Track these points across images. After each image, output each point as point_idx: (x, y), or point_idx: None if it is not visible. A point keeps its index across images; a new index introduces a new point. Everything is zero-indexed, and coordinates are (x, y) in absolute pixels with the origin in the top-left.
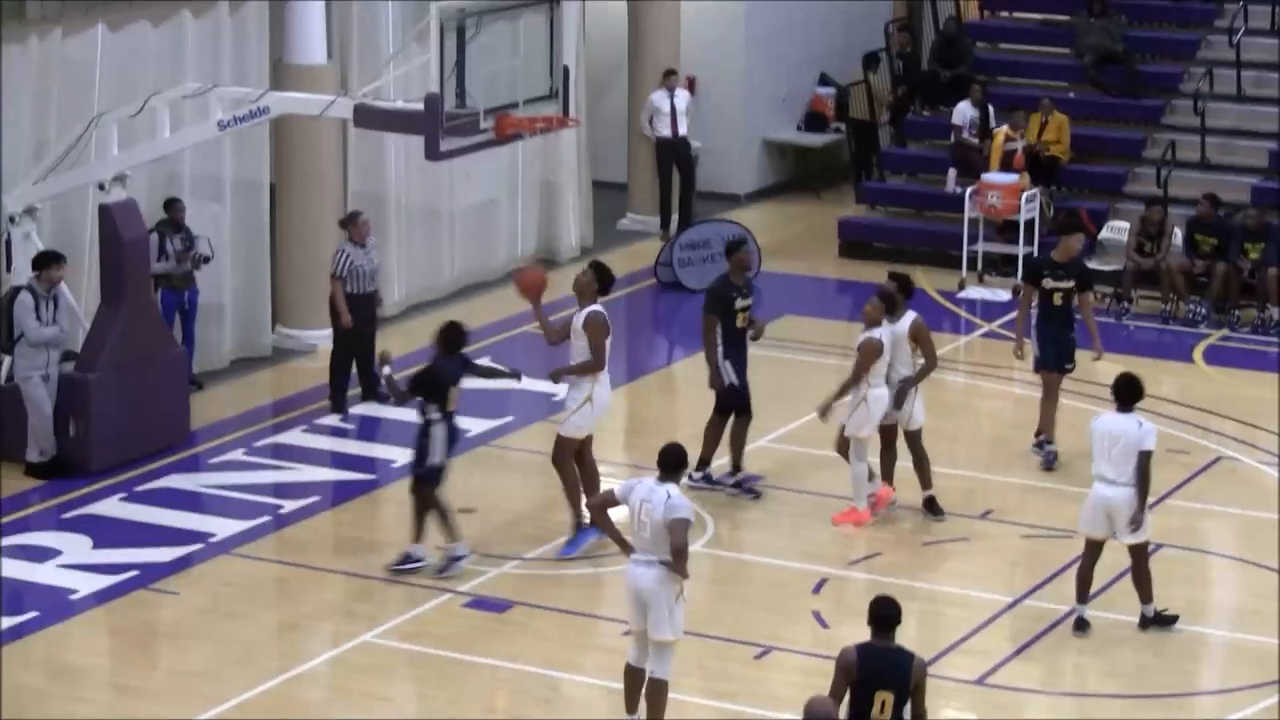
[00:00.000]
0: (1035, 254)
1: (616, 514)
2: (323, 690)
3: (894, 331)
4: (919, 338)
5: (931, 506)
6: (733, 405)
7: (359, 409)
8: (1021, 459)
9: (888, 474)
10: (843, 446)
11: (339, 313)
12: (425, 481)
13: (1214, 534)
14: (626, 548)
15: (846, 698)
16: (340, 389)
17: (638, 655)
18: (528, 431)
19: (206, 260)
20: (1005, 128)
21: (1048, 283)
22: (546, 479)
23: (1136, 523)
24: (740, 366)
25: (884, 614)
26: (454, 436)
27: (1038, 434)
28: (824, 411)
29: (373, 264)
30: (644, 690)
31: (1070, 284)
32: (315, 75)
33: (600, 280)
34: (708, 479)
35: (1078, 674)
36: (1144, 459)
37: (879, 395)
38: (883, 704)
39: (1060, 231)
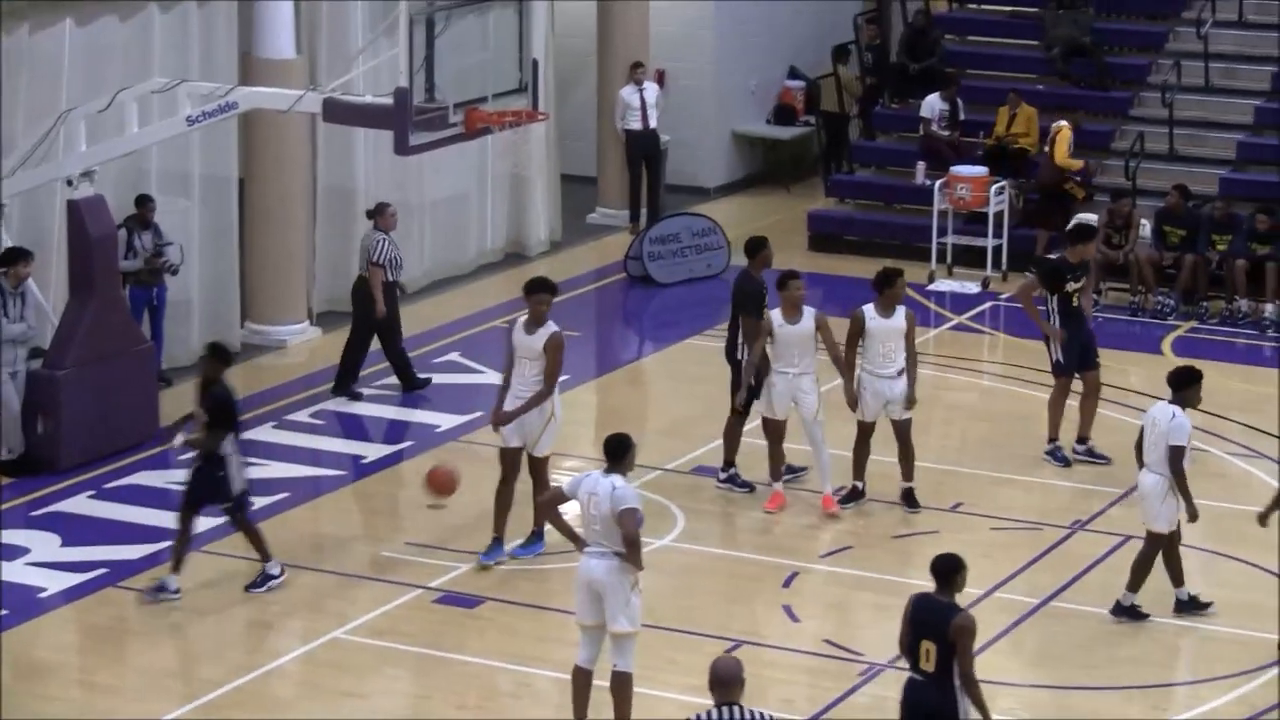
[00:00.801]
0: (1050, 257)
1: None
2: (293, 687)
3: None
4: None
5: (909, 499)
6: (748, 404)
7: (330, 404)
8: (991, 451)
9: (860, 469)
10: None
11: (374, 300)
12: (238, 510)
13: (1182, 526)
14: (579, 542)
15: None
16: (350, 372)
17: (588, 656)
18: None
19: (174, 271)
20: (1065, 123)
21: (1070, 285)
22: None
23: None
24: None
25: (942, 568)
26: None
27: (1079, 439)
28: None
29: (400, 254)
30: (610, 685)
31: (1083, 282)
32: (284, 70)
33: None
34: (733, 480)
35: (1049, 666)
36: (1172, 453)
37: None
38: (927, 652)
39: (1075, 239)
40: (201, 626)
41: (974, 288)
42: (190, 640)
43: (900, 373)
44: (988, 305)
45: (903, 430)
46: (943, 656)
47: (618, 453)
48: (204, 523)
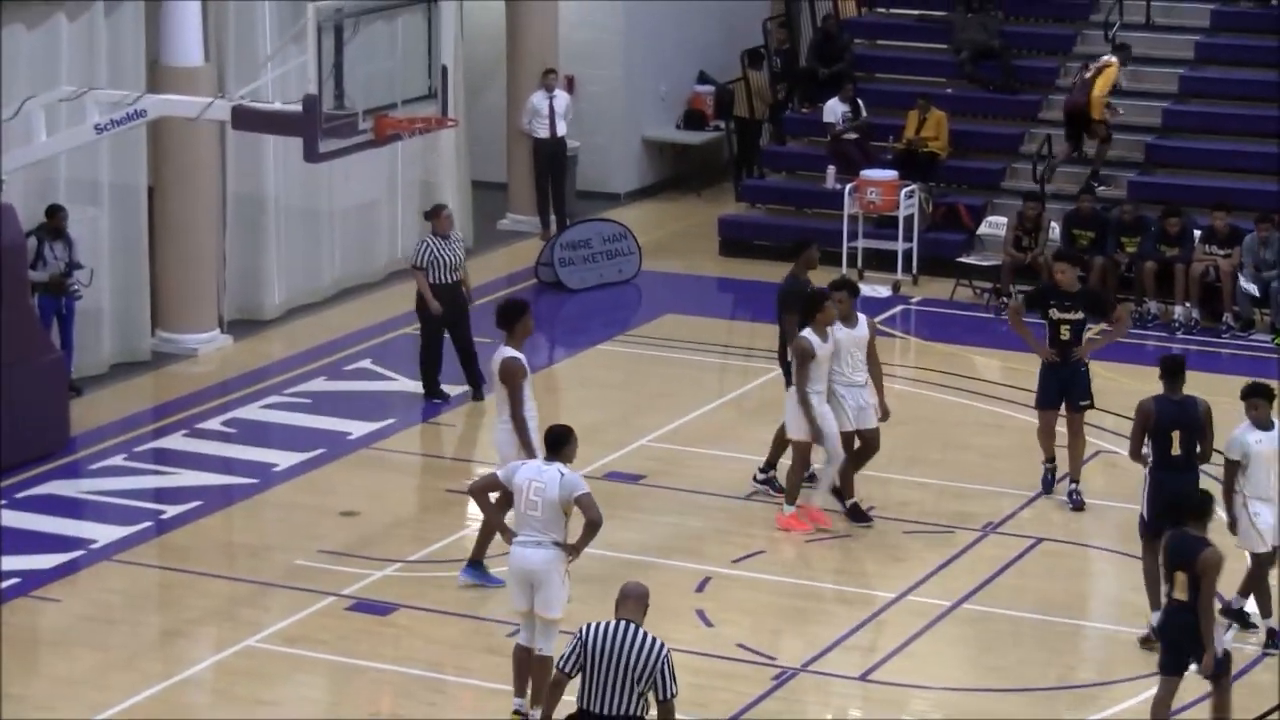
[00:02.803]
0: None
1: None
2: (206, 695)
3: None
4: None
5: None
6: None
7: (240, 412)
8: (902, 454)
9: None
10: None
11: (427, 301)
12: None
13: (1093, 527)
14: (508, 533)
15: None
16: (431, 376)
17: (527, 636)
18: (408, 434)
19: (78, 297)
20: (1115, 60)
21: (1054, 313)
22: (427, 481)
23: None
24: None
25: (1192, 506)
26: None
27: (1070, 479)
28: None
29: (455, 255)
30: (531, 667)
31: (1080, 315)
32: (192, 77)
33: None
34: (770, 483)
35: (959, 669)
36: (1228, 468)
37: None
38: (1181, 582)
39: (1059, 260)
40: (114, 636)
41: (885, 291)
42: (103, 649)
43: (867, 381)
44: (899, 309)
45: (874, 439)
46: (1193, 585)
47: (560, 442)
48: (114, 532)
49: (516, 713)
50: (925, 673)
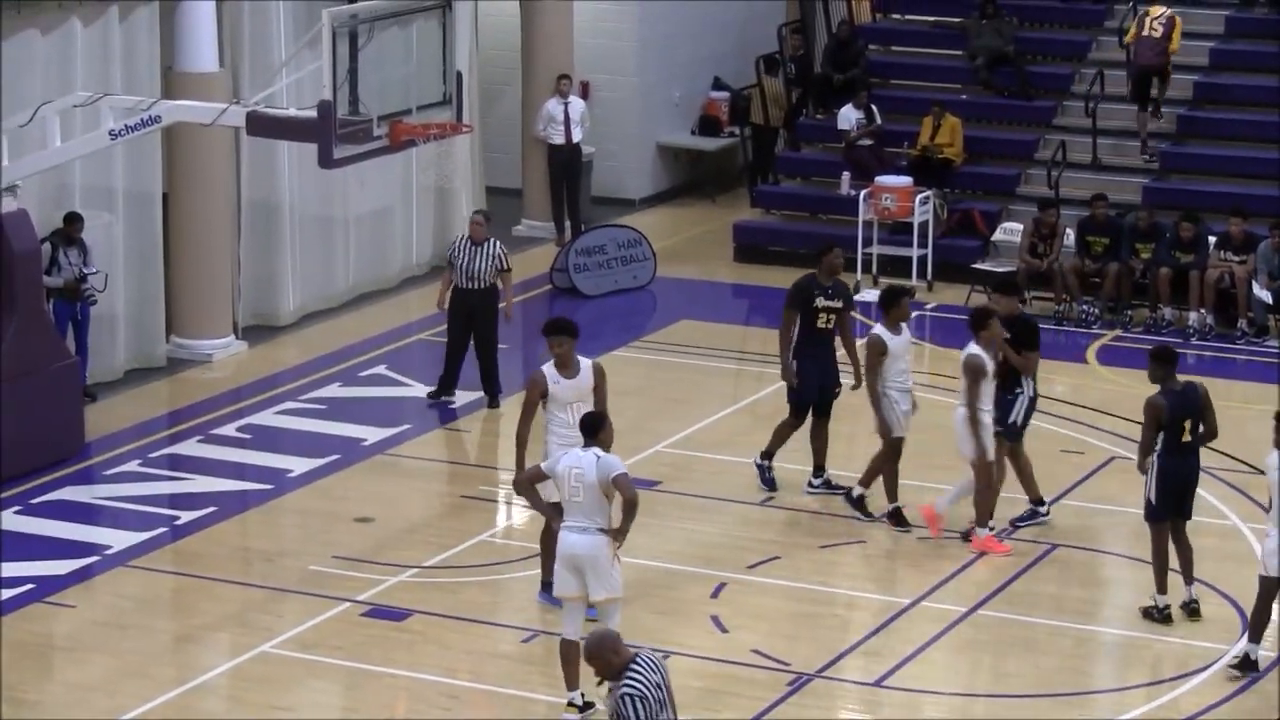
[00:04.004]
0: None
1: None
2: (220, 701)
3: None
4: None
5: (896, 518)
6: (797, 405)
7: (255, 418)
8: (917, 460)
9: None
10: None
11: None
12: None
13: (1108, 533)
14: (556, 517)
15: None
16: (444, 376)
17: (573, 629)
18: (423, 439)
19: (93, 301)
20: (1172, 12)
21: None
22: (441, 487)
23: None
24: (824, 367)
25: (1165, 355)
26: None
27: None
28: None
29: (475, 264)
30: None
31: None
32: (207, 83)
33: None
34: (762, 472)
35: (976, 675)
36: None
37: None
38: (1187, 428)
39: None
40: (128, 642)
41: None
42: (117, 656)
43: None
44: (913, 315)
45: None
46: (1195, 427)
47: (594, 428)
48: (129, 538)
49: (571, 704)
50: (939, 679)
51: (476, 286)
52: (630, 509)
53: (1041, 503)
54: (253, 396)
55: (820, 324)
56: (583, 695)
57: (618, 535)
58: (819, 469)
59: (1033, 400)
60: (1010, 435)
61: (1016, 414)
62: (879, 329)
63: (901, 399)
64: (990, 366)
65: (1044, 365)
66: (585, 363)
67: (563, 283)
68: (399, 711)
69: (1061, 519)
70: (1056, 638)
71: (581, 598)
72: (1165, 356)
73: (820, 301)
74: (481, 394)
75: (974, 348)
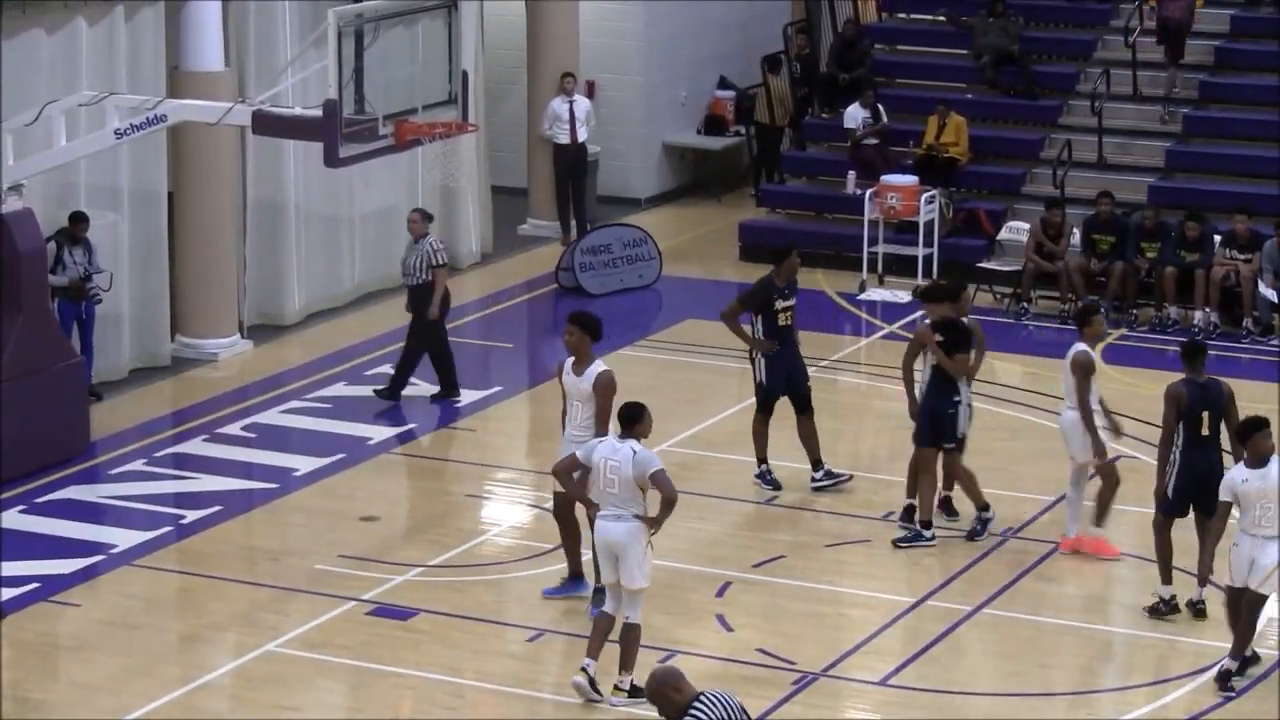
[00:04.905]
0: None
1: None
2: (226, 701)
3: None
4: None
5: (946, 506)
6: (764, 401)
7: (261, 417)
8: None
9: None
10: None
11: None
12: None
13: (1114, 532)
14: (592, 506)
15: None
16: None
17: (613, 606)
18: (428, 439)
19: (98, 300)
20: None
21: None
22: (447, 486)
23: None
24: (791, 362)
25: (1192, 351)
26: None
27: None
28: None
29: (410, 259)
30: (619, 636)
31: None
32: (212, 82)
33: (590, 332)
34: (763, 476)
35: (981, 674)
36: None
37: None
38: (1205, 420)
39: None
40: (133, 641)
41: (905, 297)
42: (123, 655)
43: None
44: (919, 314)
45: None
46: (1215, 422)
47: (632, 419)
48: (134, 537)
49: (583, 670)
50: (945, 678)
51: (413, 283)
52: (668, 507)
53: (987, 508)
54: (258, 395)
55: (781, 322)
56: (596, 668)
57: (653, 524)
58: (817, 463)
59: (968, 407)
60: (960, 448)
61: (964, 425)
62: (1082, 346)
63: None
64: (1097, 363)
65: (1049, 364)
66: (595, 368)
67: (568, 282)
68: (404, 711)
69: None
70: (1061, 637)
71: (619, 584)
72: (1188, 350)
73: (779, 303)
74: (485, 391)
75: (1080, 345)
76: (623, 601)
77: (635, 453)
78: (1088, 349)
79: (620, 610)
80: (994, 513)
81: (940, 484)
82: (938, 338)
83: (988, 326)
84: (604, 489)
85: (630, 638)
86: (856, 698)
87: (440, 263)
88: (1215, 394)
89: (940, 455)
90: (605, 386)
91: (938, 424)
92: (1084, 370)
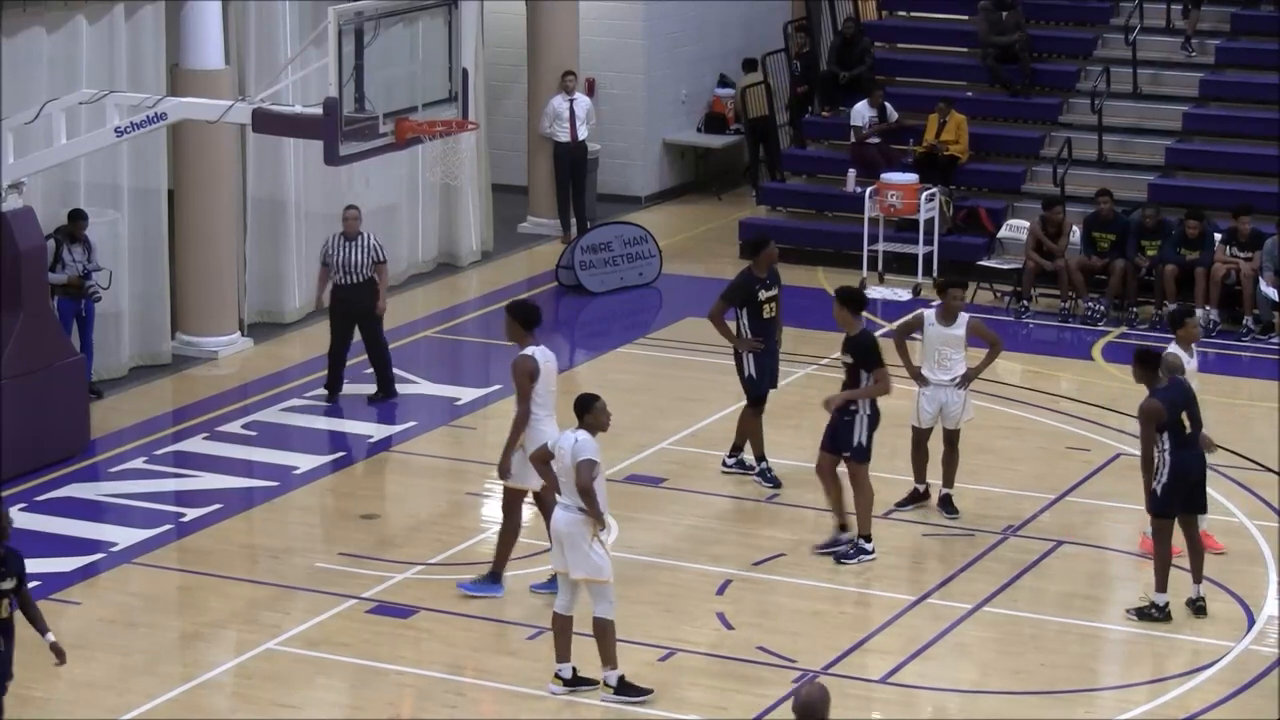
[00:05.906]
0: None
1: None
2: (226, 698)
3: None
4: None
5: (946, 504)
6: (755, 396)
7: (261, 415)
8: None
9: (919, 474)
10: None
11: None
12: None
13: (1114, 530)
14: (557, 493)
15: None
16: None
17: (564, 603)
18: (428, 437)
19: (98, 299)
20: None
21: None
22: (447, 484)
23: None
24: (777, 356)
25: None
26: None
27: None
28: None
29: (349, 257)
30: (592, 630)
31: (850, 360)
32: (212, 80)
33: (520, 320)
34: (740, 464)
35: (981, 672)
36: None
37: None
38: (1187, 421)
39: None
40: (134, 639)
41: (905, 295)
42: (123, 653)
43: (953, 380)
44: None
45: (954, 439)
46: (1194, 417)
47: (582, 408)
48: (134, 535)
49: (558, 676)
50: (945, 676)
51: (354, 281)
52: (580, 494)
53: (845, 529)
54: (258, 393)
55: (765, 315)
56: (574, 670)
57: (587, 516)
58: (737, 449)
59: (872, 417)
60: (859, 457)
61: (859, 434)
62: (1174, 348)
63: (937, 393)
64: (1190, 364)
65: (1049, 362)
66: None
67: (568, 280)
68: (405, 709)
69: (1067, 516)
70: (1061, 635)
71: (568, 572)
72: (1148, 358)
73: (762, 294)
74: (485, 389)
75: (1173, 348)
76: (591, 594)
77: (576, 441)
78: (1180, 351)
79: (593, 607)
80: (851, 535)
81: (941, 481)
82: (847, 358)
83: (988, 325)
84: (561, 478)
85: (599, 631)
86: (856, 696)
87: (385, 258)
88: (1186, 391)
89: (841, 463)
90: (515, 368)
91: (835, 431)
92: (1172, 373)
